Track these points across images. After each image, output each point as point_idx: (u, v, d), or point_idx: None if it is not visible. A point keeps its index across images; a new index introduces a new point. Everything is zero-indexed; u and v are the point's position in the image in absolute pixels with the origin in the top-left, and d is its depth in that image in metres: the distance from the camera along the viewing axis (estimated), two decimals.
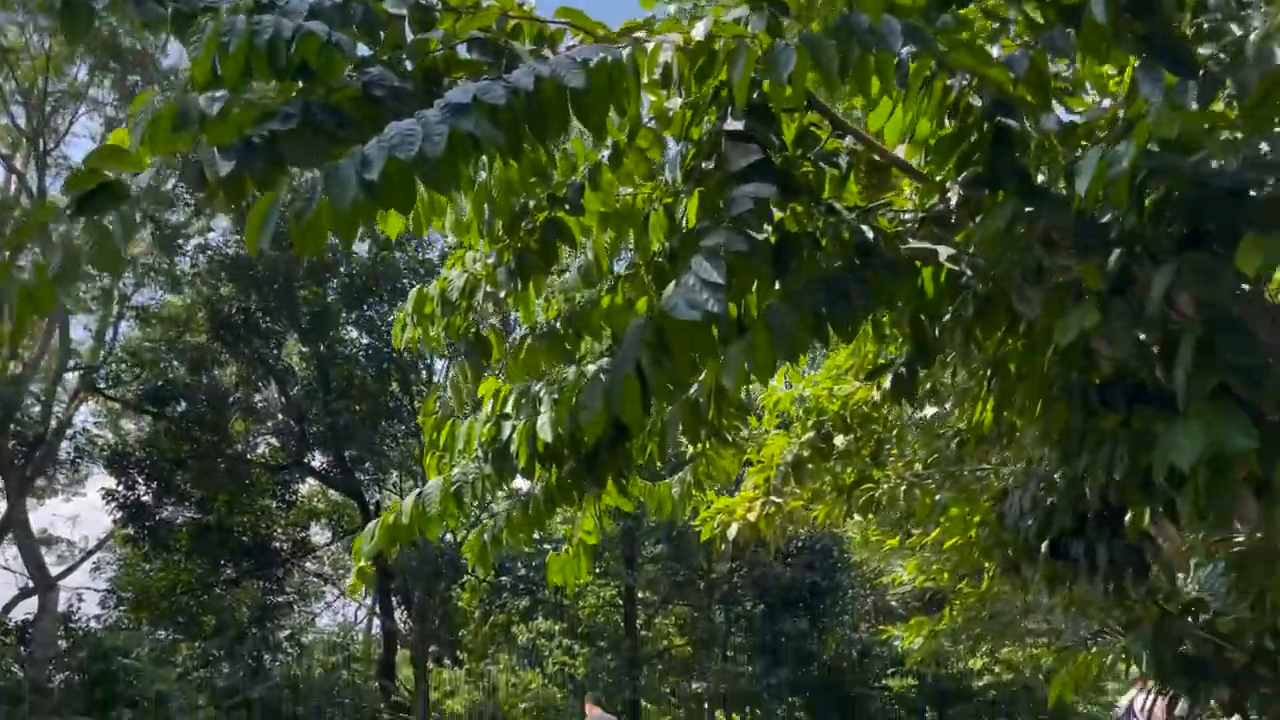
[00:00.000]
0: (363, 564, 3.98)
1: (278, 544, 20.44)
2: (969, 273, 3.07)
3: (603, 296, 3.96)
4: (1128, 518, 3.73)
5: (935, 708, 22.02)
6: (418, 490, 4.04)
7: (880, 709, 21.25)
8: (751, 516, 6.31)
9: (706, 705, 22.71)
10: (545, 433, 3.66)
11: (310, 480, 22.11)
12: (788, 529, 6.63)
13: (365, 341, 20.71)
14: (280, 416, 21.21)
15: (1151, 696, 14.30)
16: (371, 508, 20.85)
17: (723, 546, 6.38)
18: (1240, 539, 5.17)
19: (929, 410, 6.44)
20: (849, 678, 21.64)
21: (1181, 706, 13.33)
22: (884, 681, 21.72)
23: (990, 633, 6.40)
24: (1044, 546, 4.46)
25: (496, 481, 4.03)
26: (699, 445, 4.40)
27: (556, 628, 22.81)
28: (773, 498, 6.36)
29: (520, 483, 4.48)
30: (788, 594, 20.02)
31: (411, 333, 4.56)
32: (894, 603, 26.34)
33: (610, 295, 3.92)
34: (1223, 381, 2.51)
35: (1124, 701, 15.31)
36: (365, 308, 19.95)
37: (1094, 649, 6.76)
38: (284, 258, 18.06)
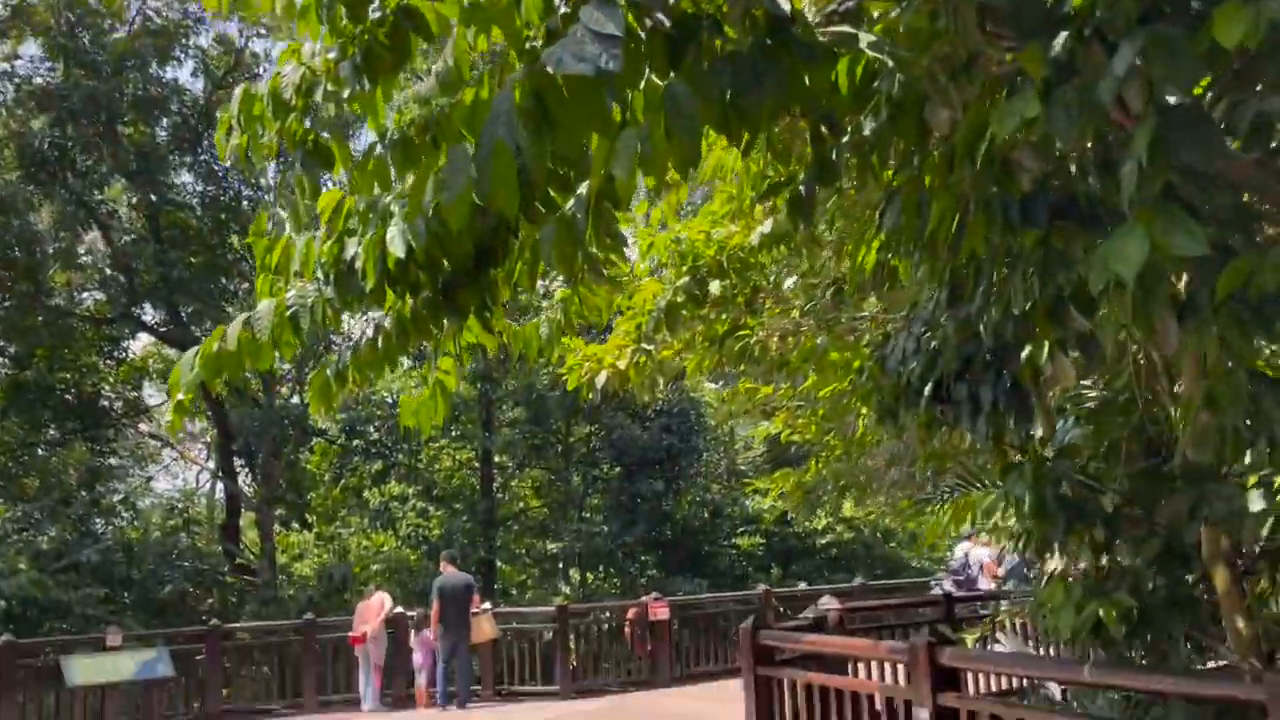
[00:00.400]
0: (181, 397, 3.44)
1: (106, 403, 19.14)
2: (890, 64, 2.70)
3: (465, 92, 3.42)
4: (1024, 354, 3.55)
5: (780, 564, 22.91)
6: (246, 314, 3.50)
7: (729, 565, 21.95)
8: (621, 364, 6.00)
9: (561, 565, 23.03)
10: (396, 246, 3.17)
11: (143, 336, 20.70)
12: (657, 379, 6.35)
13: (201, 188, 19.18)
14: (107, 269, 19.63)
15: (990, 549, 15.06)
16: None
17: (590, 395, 6.07)
18: (1094, 394, 5.18)
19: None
20: (701, 536, 22.21)
21: (1010, 557, 13.99)
22: (734, 540, 22.41)
23: (854, 485, 6.39)
24: (927, 389, 4.29)
25: (341, 305, 3.52)
26: (573, 275, 3.96)
27: (410, 491, 22.47)
28: (643, 345, 6.05)
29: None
30: (645, 456, 20.19)
31: (239, 139, 3.91)
32: (744, 466, 27.16)
33: (475, 90, 3.38)
34: (1170, 184, 2.25)
35: (958, 553, 16.22)
36: (200, 151, 18.36)
37: (954, 500, 6.85)
38: (103, 88, 16.29)
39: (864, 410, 5.02)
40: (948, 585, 14.77)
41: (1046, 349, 3.40)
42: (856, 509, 24.81)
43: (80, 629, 13.89)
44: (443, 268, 3.52)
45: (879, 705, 4.81)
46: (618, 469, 21.04)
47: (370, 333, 3.89)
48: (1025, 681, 6.86)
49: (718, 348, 6.15)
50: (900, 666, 7.17)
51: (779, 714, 5.60)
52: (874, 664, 7.33)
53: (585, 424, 21.21)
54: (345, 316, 3.97)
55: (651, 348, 5.95)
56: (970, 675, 5.34)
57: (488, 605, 12.78)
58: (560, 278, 6.06)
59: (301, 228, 3.77)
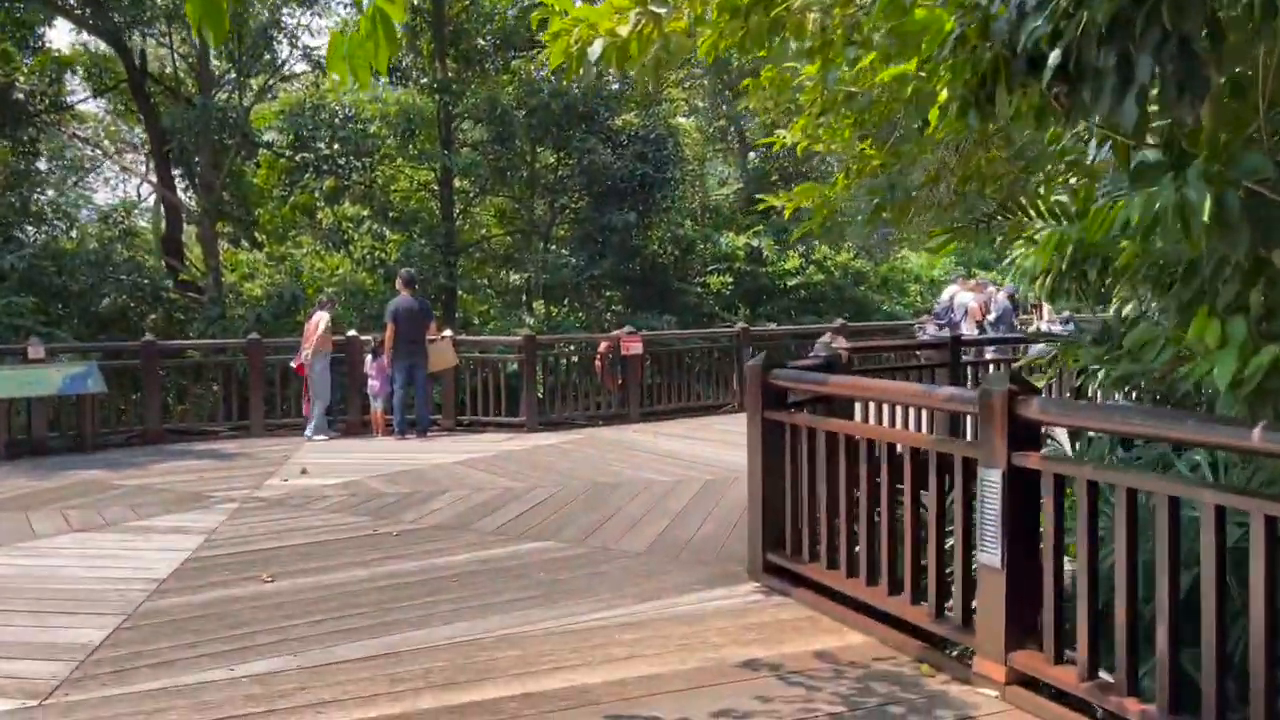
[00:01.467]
0: None
1: (22, 97, 17.16)
2: None
3: None
4: None
5: (748, 304, 22.31)
6: None
7: (697, 303, 21.26)
8: (621, 31, 4.69)
9: (524, 296, 22.20)
10: None
11: (61, 22, 18.37)
12: (662, 58, 5.07)
13: None
14: None
15: (976, 294, 14.35)
16: (136, 60, 17.64)
17: (580, 71, 4.80)
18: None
19: None
20: (670, 273, 21.39)
21: (1000, 301, 13.26)
22: (703, 278, 21.64)
23: (889, 205, 5.33)
24: (1051, 57, 3.12)
25: None
26: None
27: (365, 212, 21.13)
28: (651, 7, 4.73)
29: None
30: (615, 185, 18.85)
31: None
32: (716, 199, 26.00)
33: None
34: None
35: (943, 297, 15.57)
36: None
37: (989, 229, 5.83)
38: None
39: (941, 94, 3.85)
40: (932, 329, 14.19)
41: None
42: (830, 249, 24.10)
43: (9, 340, 12.91)
44: None
45: (925, 459, 3.97)
46: (586, 198, 19.74)
47: None
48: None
49: (742, 20, 4.84)
50: (928, 416, 6.39)
51: (790, 466, 4.80)
52: (885, 409, 6.59)
53: (553, 148, 19.67)
54: None
55: (662, 12, 4.64)
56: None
57: (448, 332, 11.89)
58: None
59: None
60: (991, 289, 14.95)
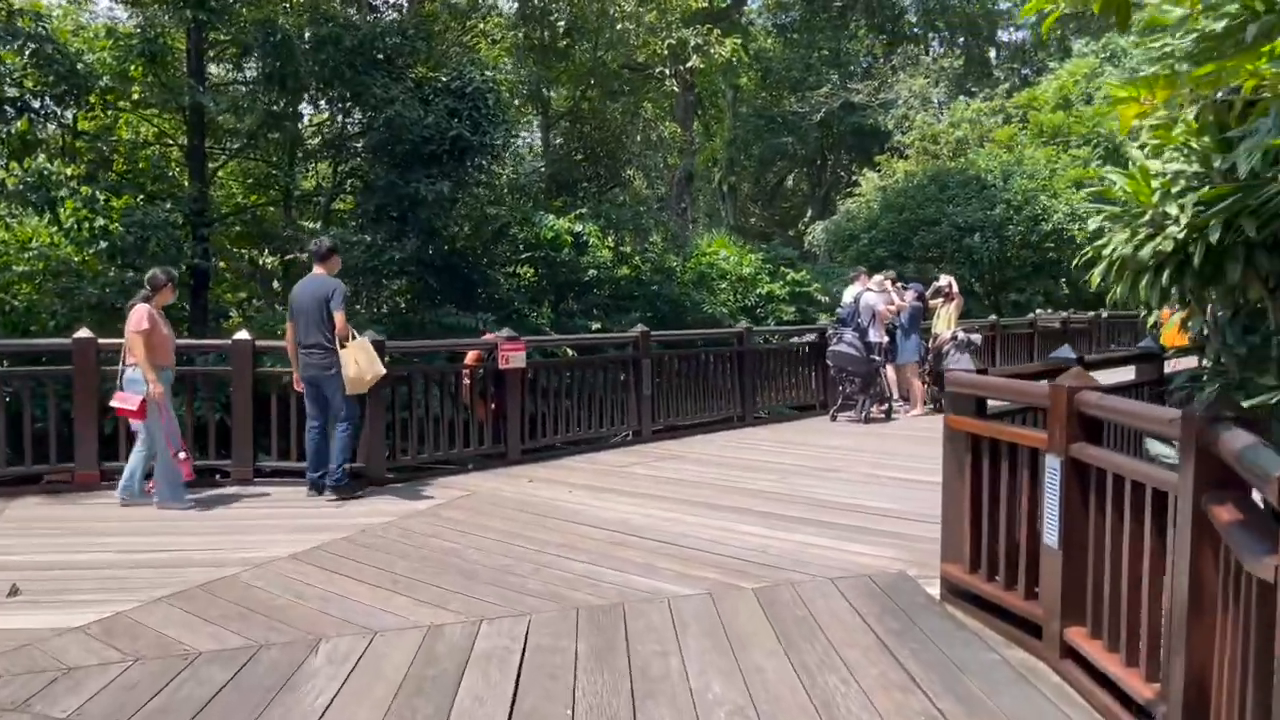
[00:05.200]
0: None
1: None
2: None
3: None
4: None
5: (552, 300, 19.21)
6: None
7: (506, 298, 17.77)
8: None
9: (275, 283, 17.82)
10: None
11: None
12: None
13: None
14: None
15: (880, 294, 12.02)
16: None
17: None
18: None
19: None
20: (473, 258, 17.82)
21: (908, 300, 10.92)
22: (514, 268, 18.22)
23: None
24: None
25: None
26: None
27: (69, 170, 15.89)
28: None
29: None
30: (421, 148, 14.99)
31: None
32: (522, 176, 22.50)
33: None
34: None
35: (846, 297, 13.20)
36: None
37: None
38: None
39: None
40: (849, 336, 11.72)
41: None
42: (635, 242, 21.43)
43: None
44: None
45: None
46: (385, 161, 15.70)
47: None
48: None
49: None
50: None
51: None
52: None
53: (341, 92, 15.48)
54: None
55: None
56: None
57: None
58: None
59: None
60: (903, 293, 12.70)
